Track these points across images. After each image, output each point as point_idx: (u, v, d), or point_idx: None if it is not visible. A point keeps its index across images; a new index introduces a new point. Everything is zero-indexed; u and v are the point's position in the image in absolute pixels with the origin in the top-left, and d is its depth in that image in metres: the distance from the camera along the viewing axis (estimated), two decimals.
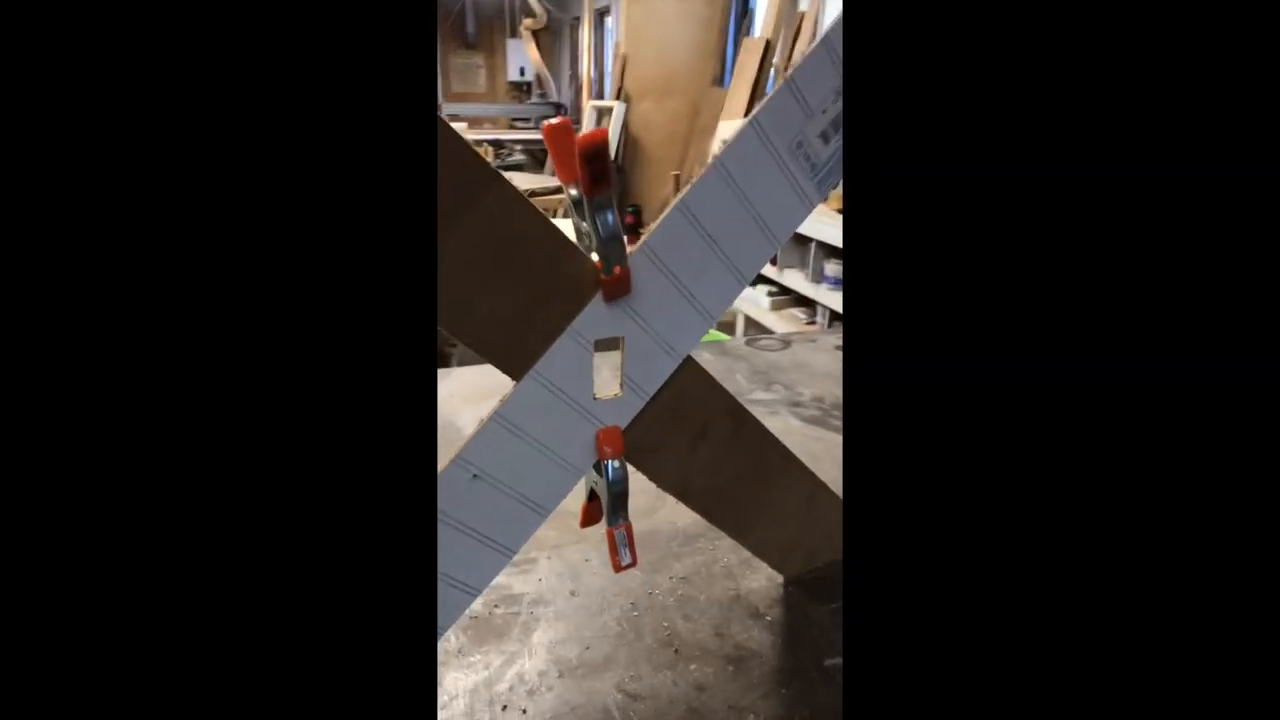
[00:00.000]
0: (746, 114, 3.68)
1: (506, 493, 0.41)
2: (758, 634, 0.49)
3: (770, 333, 2.18)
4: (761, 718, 0.42)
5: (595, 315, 0.40)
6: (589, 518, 0.46)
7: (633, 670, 0.46)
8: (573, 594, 0.53)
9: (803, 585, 0.54)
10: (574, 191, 0.38)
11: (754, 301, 2.81)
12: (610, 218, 0.37)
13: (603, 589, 0.53)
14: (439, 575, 0.40)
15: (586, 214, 0.37)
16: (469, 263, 0.36)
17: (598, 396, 0.42)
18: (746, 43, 3.64)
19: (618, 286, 0.39)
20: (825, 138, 0.42)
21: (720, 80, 4.18)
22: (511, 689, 0.44)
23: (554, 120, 0.36)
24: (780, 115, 0.40)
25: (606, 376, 0.45)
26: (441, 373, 0.97)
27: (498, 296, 0.37)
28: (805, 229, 2.41)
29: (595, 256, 0.38)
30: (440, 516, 0.39)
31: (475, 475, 0.39)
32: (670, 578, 0.55)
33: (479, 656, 0.47)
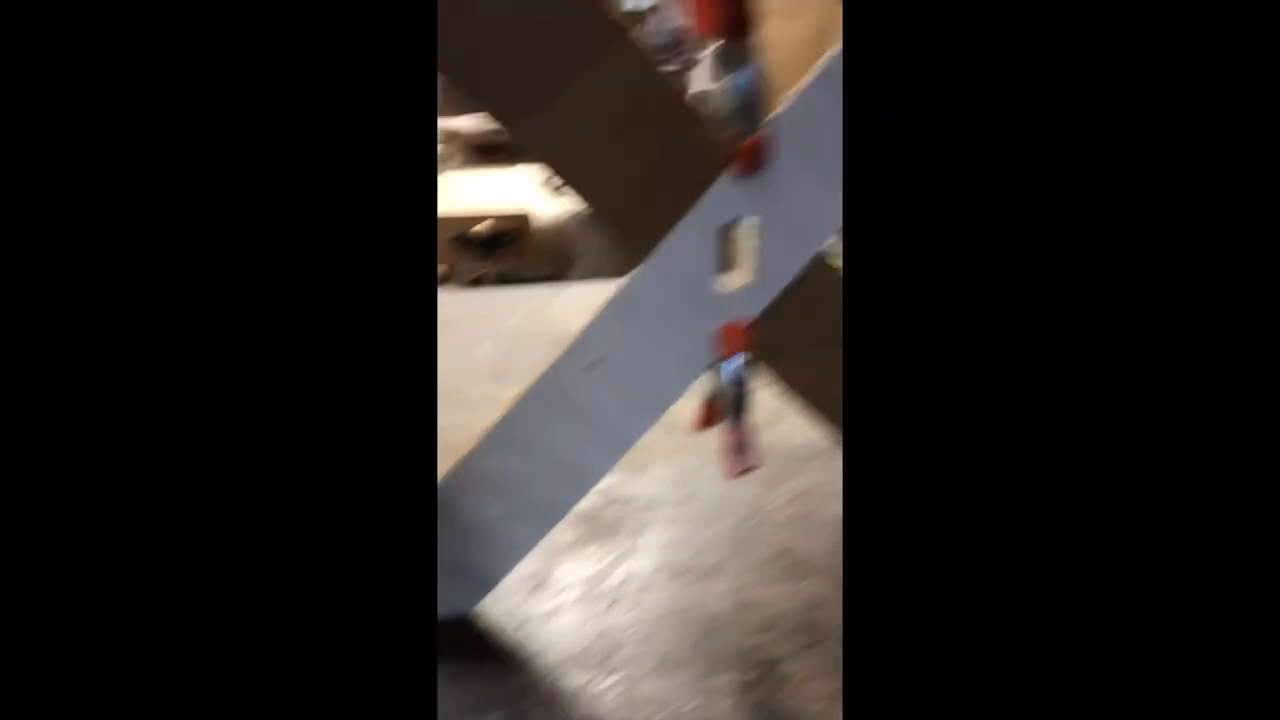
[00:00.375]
0: None
1: (622, 383, 0.39)
2: None
3: None
4: None
5: (725, 193, 0.36)
6: (707, 419, 0.44)
7: (744, 580, 0.44)
8: (685, 501, 0.51)
9: None
10: (710, 49, 0.34)
11: None
12: (749, 75, 0.32)
13: (716, 498, 0.51)
14: (552, 460, 0.39)
15: (722, 70, 0.33)
16: (591, 124, 0.33)
17: (724, 287, 0.38)
18: None
19: (753, 159, 0.35)
20: None
21: None
22: (622, 585, 0.44)
23: None
24: None
25: (735, 266, 0.42)
26: (556, 288, 0.97)
27: (622, 164, 0.34)
28: None
29: (731, 126, 0.35)
30: (558, 402, 0.38)
31: (591, 363, 0.38)
32: (787, 493, 0.52)
33: (591, 550, 0.47)
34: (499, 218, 1.54)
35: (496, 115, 0.33)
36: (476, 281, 1.55)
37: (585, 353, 0.38)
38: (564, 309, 0.88)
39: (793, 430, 0.59)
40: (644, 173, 0.35)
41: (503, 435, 0.39)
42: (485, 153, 2.29)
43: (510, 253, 1.57)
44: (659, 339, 0.38)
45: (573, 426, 0.39)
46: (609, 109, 0.33)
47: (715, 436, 0.43)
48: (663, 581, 0.44)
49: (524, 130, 0.33)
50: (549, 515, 0.40)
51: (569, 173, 0.34)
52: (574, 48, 0.31)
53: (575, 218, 1.56)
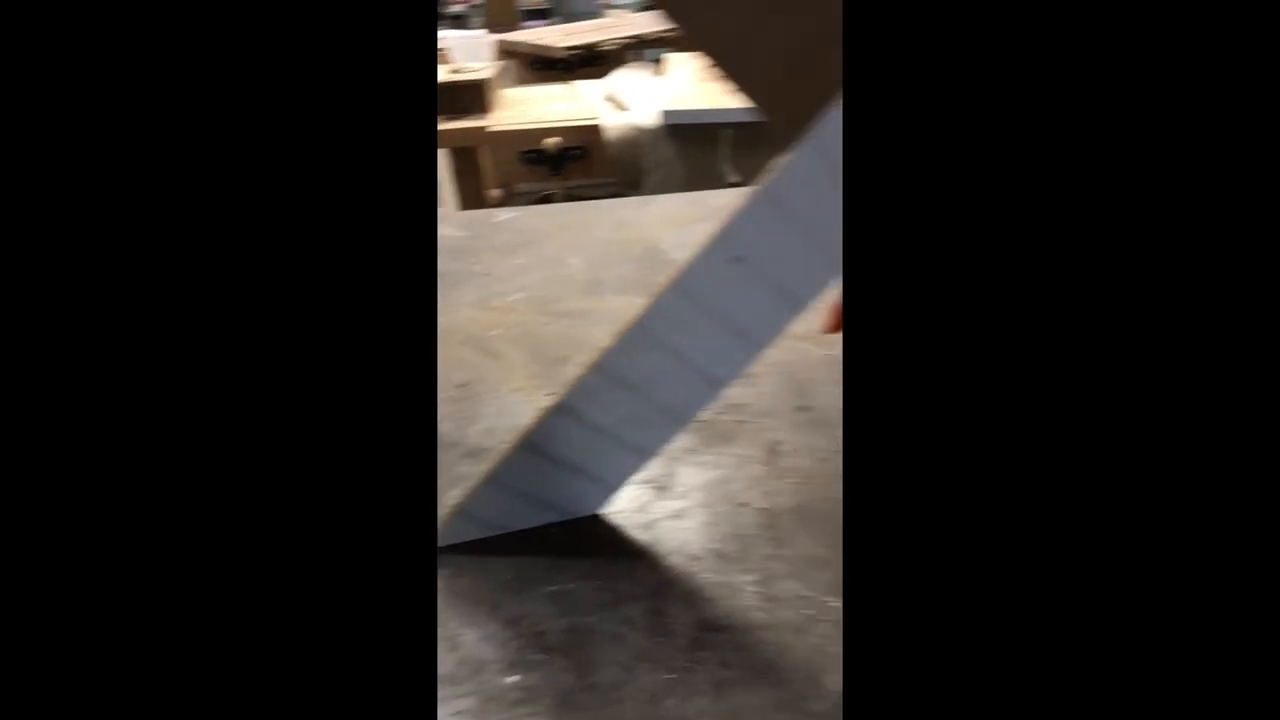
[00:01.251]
0: None
1: (764, 278, 0.37)
2: None
3: None
4: None
5: None
6: (838, 323, 0.42)
7: None
8: (800, 409, 0.50)
9: None
10: None
11: None
12: None
13: (832, 406, 0.50)
14: (689, 364, 0.38)
15: None
16: None
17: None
18: None
19: None
20: None
21: None
22: (748, 488, 0.43)
23: None
24: None
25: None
26: (644, 200, 0.94)
27: (780, 33, 0.31)
28: None
29: None
30: (695, 299, 0.36)
31: (736, 258, 0.36)
32: None
33: (711, 456, 0.46)
34: (568, 131, 1.49)
35: None
36: (545, 199, 1.52)
37: (727, 248, 0.36)
38: (651, 220, 0.85)
39: None
40: (803, 42, 0.31)
41: (636, 336, 0.38)
42: (544, 67, 2.21)
43: (578, 169, 1.53)
44: (808, 231, 0.36)
45: (709, 325, 0.37)
46: None
47: (824, 348, 0.41)
48: (788, 485, 0.43)
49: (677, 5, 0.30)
50: (680, 417, 0.40)
51: (724, 47, 0.31)
52: None
53: (643, 131, 1.50)
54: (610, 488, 0.42)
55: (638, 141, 1.47)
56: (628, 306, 0.58)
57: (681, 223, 0.84)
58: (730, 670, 0.33)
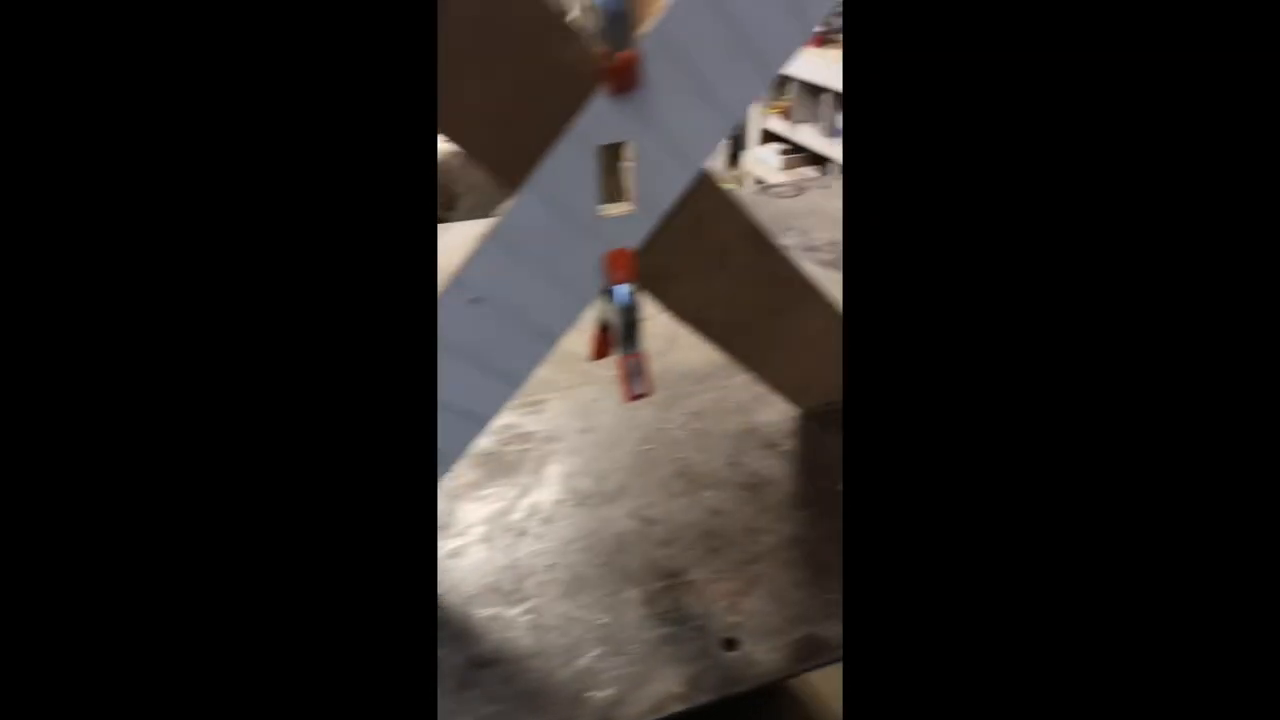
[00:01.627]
0: None
1: (510, 318, 0.38)
2: (773, 463, 0.48)
3: None
4: (778, 537, 0.42)
5: (599, 114, 0.35)
6: (600, 349, 0.44)
7: (647, 498, 0.45)
8: (584, 431, 0.52)
9: (817, 418, 0.53)
10: None
11: (764, 160, 2.67)
12: None
13: (615, 426, 0.52)
14: (444, 404, 0.38)
15: None
16: (449, 47, 0.30)
17: (604, 213, 0.38)
18: None
19: (625, 78, 0.34)
20: None
21: None
22: (527, 517, 0.44)
23: None
24: None
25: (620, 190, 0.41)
26: (443, 227, 0.92)
27: (486, 89, 0.32)
28: (820, 77, 2.23)
29: (600, 42, 0.33)
30: (442, 343, 0.37)
31: (475, 299, 0.37)
32: (683, 414, 0.53)
33: (493, 490, 0.46)
34: None
35: None
36: None
37: (465, 290, 0.36)
38: (451, 247, 0.84)
39: (687, 353, 0.60)
40: (510, 95, 0.33)
41: None
42: None
43: None
44: (543, 270, 0.37)
45: (460, 368, 0.38)
46: (466, 26, 0.31)
47: (611, 365, 0.43)
48: (567, 511, 0.45)
49: None
50: (444, 461, 0.40)
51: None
52: None
53: (455, 154, 1.47)
54: None
55: (450, 166, 1.44)
56: None
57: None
58: (495, 704, 0.33)
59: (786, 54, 0.38)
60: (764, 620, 0.37)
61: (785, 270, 0.46)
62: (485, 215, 1.52)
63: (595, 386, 0.57)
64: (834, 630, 0.36)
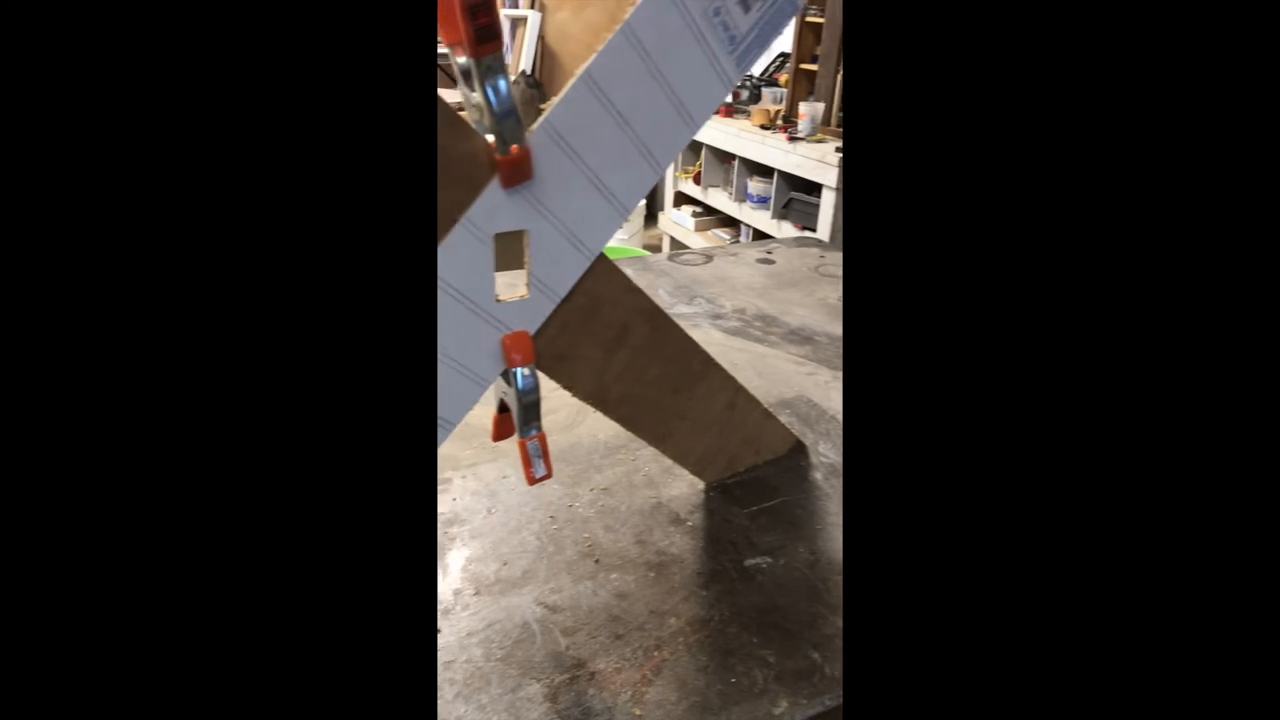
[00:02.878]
0: None
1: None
2: (679, 539, 0.48)
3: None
4: (683, 620, 0.42)
5: (492, 203, 0.35)
6: (501, 430, 0.44)
7: (552, 583, 0.44)
8: (489, 511, 0.50)
9: (723, 490, 0.54)
10: (461, 58, 0.33)
11: (679, 222, 2.77)
12: (503, 85, 0.32)
13: (520, 505, 0.51)
14: None
15: (476, 82, 0.32)
16: None
17: (501, 298, 0.38)
18: None
19: (517, 170, 0.35)
20: (745, 5, 0.38)
21: None
22: None
23: None
24: None
25: (510, 278, 0.42)
26: None
27: None
28: (728, 145, 2.36)
29: (490, 136, 0.34)
30: None
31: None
32: (591, 489, 0.53)
33: None
34: None
35: None
36: None
37: None
38: None
39: (595, 426, 0.60)
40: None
41: None
42: None
43: None
44: (443, 356, 0.37)
45: None
46: None
47: (513, 444, 0.42)
48: (468, 600, 0.43)
49: None
50: None
51: None
52: None
53: None
54: None
55: None
56: None
57: None
58: None
59: (675, 148, 0.40)
60: (667, 711, 0.36)
61: (685, 347, 0.48)
62: None
63: (502, 462, 0.56)
64: (735, 718, 0.36)
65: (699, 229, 2.71)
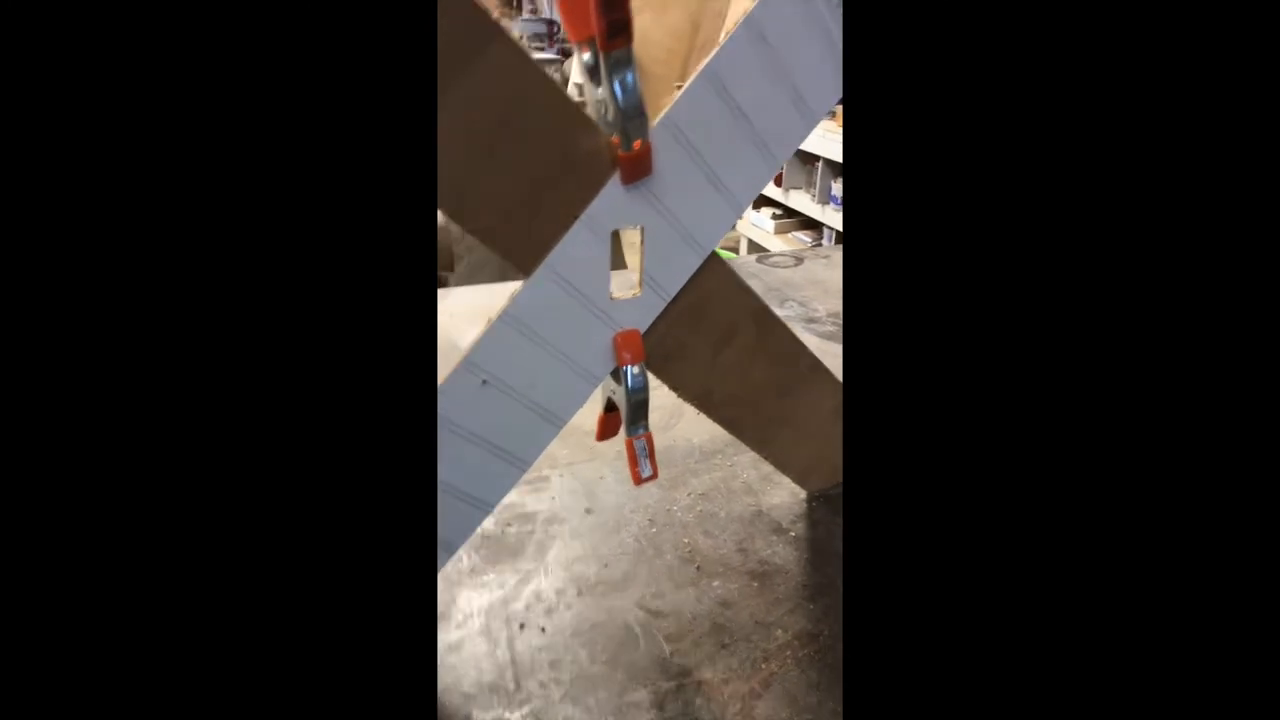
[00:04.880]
0: None
1: (518, 400, 0.37)
2: (782, 550, 0.47)
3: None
4: (790, 633, 0.40)
5: (612, 200, 0.35)
6: (606, 429, 0.43)
7: (654, 587, 0.44)
8: (588, 511, 0.50)
9: (827, 501, 0.52)
10: (587, 54, 0.32)
11: (757, 224, 2.73)
12: (631, 79, 0.32)
13: (619, 506, 0.51)
14: (446, 487, 0.37)
15: (603, 76, 0.32)
16: (468, 133, 0.31)
17: (615, 296, 0.38)
18: None
19: (638, 166, 0.34)
20: None
21: None
22: (529, 607, 0.42)
23: None
24: None
25: (624, 275, 0.41)
26: (440, 293, 0.93)
27: (501, 175, 0.32)
28: (811, 146, 2.30)
29: (612, 132, 0.34)
30: (447, 425, 0.36)
31: (485, 381, 0.36)
32: (689, 494, 0.52)
33: (493, 575, 0.45)
34: None
35: None
36: None
37: (475, 372, 0.36)
38: (452, 315, 0.84)
39: (690, 430, 0.60)
40: (526, 184, 0.33)
41: None
42: None
43: None
44: (553, 352, 0.37)
45: (466, 451, 0.37)
46: (487, 118, 0.31)
47: (615, 443, 0.42)
48: (570, 599, 0.43)
49: None
50: (447, 548, 0.38)
51: (443, 193, 0.31)
52: (447, 52, 0.29)
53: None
54: None
55: (448, 228, 1.46)
56: None
57: (479, 317, 0.84)
58: None
59: (792, 144, 0.39)
60: None
61: (792, 349, 0.46)
62: (485, 277, 1.53)
63: (599, 462, 0.56)
64: None
65: (778, 231, 2.66)
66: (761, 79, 0.36)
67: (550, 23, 6.33)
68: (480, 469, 0.38)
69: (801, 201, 2.53)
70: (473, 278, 1.45)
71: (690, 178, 0.36)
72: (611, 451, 0.56)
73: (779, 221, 2.67)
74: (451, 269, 1.48)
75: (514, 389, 0.37)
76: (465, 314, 0.85)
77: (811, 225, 2.58)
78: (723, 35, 0.36)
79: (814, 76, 0.37)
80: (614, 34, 0.30)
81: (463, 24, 0.29)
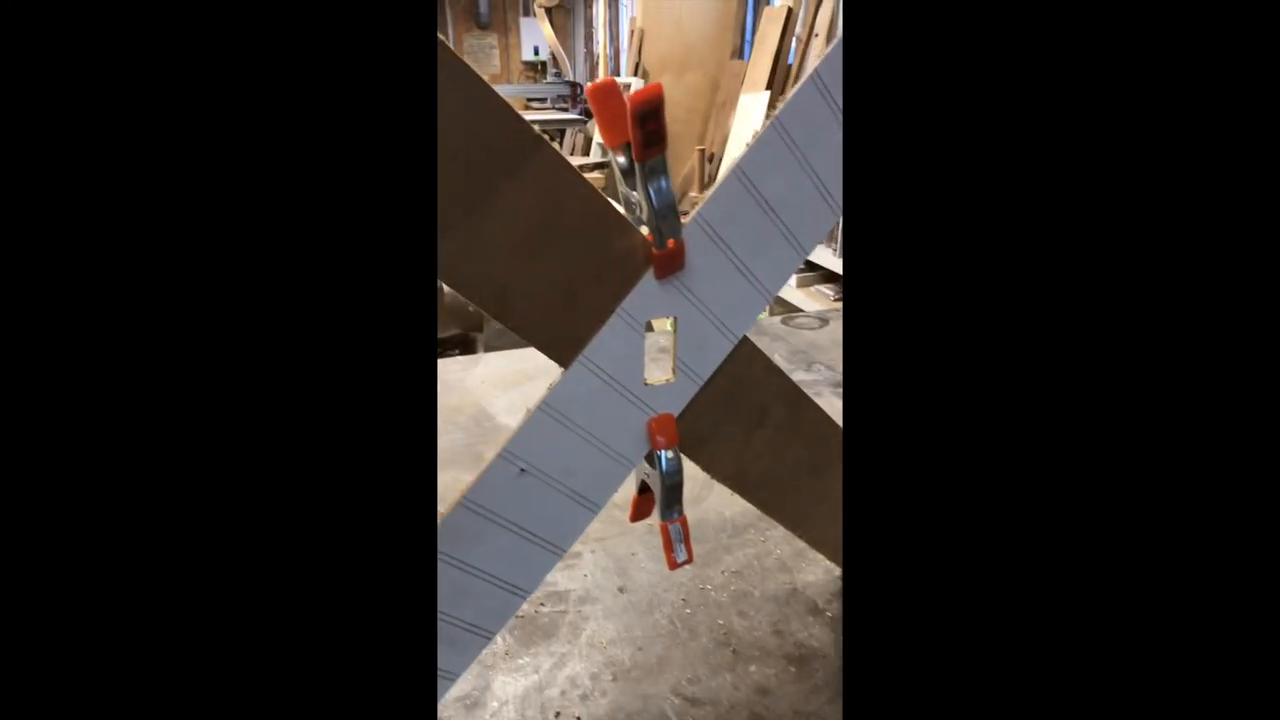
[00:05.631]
0: (768, 86, 3.54)
1: (556, 488, 0.38)
2: (819, 631, 0.46)
3: (799, 310, 2.13)
4: None
5: (646, 294, 0.36)
6: (640, 511, 0.44)
7: (689, 672, 0.43)
8: (621, 590, 0.50)
9: None
10: (622, 159, 0.34)
11: None
12: (664, 184, 0.33)
13: (652, 585, 0.50)
14: (484, 575, 0.37)
15: (638, 181, 0.33)
16: (512, 238, 0.32)
17: (649, 382, 0.39)
18: (768, 12, 3.53)
19: (671, 262, 0.36)
20: None
21: (740, 52, 4.06)
22: (563, 694, 0.42)
23: (599, 80, 0.33)
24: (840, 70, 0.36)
25: (656, 362, 0.42)
26: (471, 359, 0.95)
27: (543, 275, 0.34)
28: None
29: (645, 230, 0.35)
30: (487, 514, 0.36)
31: (523, 470, 0.37)
32: (722, 572, 0.52)
33: (527, 659, 0.44)
34: None
35: None
36: None
37: (514, 461, 0.36)
38: (479, 381, 0.85)
39: (721, 503, 0.59)
40: (565, 283, 0.34)
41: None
42: None
43: None
44: (590, 439, 0.38)
45: (506, 539, 0.37)
46: (530, 221, 0.33)
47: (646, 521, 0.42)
48: (605, 685, 0.42)
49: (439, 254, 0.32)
50: (484, 632, 0.38)
51: (486, 293, 0.33)
52: (494, 162, 0.31)
53: None
54: None
55: None
56: (451, 484, 0.57)
57: (510, 383, 0.86)
58: None
59: (819, 233, 0.40)
60: None
61: (823, 429, 0.46)
62: (512, 338, 1.56)
63: (630, 537, 0.56)
64: None
65: (800, 285, 2.68)
66: (788, 174, 0.37)
67: (574, 85, 6.58)
68: (517, 556, 0.38)
69: (824, 256, 2.55)
70: (501, 338, 1.48)
71: (721, 270, 0.38)
72: (642, 528, 0.56)
73: (801, 275, 2.69)
74: (480, 330, 1.52)
75: (551, 476, 0.37)
76: (495, 380, 0.86)
77: (833, 279, 2.60)
78: (748, 134, 0.37)
79: (837, 168, 0.38)
80: (650, 144, 0.32)
81: (509, 135, 0.31)
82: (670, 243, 0.35)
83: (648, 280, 0.36)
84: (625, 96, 0.32)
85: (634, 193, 0.34)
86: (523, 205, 0.32)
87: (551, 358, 0.36)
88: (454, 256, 0.32)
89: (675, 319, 0.38)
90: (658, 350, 0.39)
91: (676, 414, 0.40)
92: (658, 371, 0.39)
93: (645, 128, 0.31)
